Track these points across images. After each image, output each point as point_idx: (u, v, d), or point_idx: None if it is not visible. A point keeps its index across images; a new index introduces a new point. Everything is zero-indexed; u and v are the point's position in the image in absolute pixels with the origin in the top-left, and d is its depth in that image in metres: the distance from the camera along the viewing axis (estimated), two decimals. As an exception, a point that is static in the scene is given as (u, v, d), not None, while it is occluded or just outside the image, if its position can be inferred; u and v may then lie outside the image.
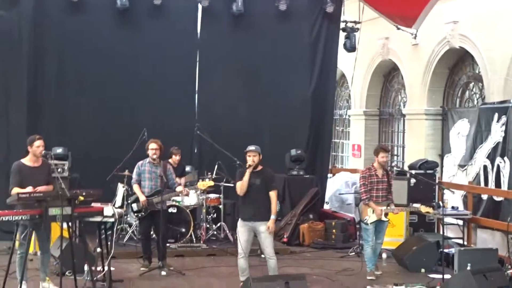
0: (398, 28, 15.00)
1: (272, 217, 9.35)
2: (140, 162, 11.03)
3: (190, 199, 12.55)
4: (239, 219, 9.58)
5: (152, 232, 11.31)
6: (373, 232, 10.50)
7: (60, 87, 13.83)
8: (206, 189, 12.14)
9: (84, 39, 13.85)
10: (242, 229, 9.47)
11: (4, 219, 8.62)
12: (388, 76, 18.51)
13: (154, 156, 10.81)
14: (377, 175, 10.52)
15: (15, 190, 8.86)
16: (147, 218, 10.94)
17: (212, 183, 12.04)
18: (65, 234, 9.27)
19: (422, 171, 12.98)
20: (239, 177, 9.51)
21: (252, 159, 9.43)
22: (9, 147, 13.25)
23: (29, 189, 8.80)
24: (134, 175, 11.03)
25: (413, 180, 12.50)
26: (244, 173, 9.45)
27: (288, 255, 12.53)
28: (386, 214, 10.50)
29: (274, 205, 9.40)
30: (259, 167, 9.52)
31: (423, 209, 10.66)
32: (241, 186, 9.42)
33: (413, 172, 12.65)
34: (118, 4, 13.62)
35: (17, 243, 9.06)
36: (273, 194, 9.41)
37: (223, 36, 14.66)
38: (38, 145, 9.13)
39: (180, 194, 11.40)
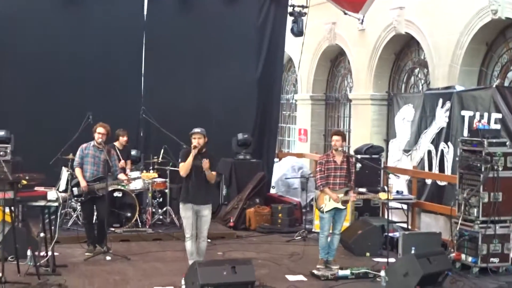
0: (345, 13, 15.05)
1: (209, 172, 9.35)
2: (84, 145, 10.86)
3: (136, 183, 12.44)
4: (181, 202, 9.56)
5: (95, 217, 11.15)
6: (330, 221, 10.16)
7: (1, 68, 13.52)
8: (150, 180, 12.10)
9: (25, 18, 13.54)
10: (188, 212, 9.46)
11: None
12: (334, 61, 18.59)
13: (99, 140, 10.67)
14: (335, 162, 10.12)
15: None
16: (89, 202, 10.81)
17: (156, 175, 11.95)
18: (8, 218, 9.12)
19: (367, 156, 13.08)
20: (183, 158, 9.49)
21: (197, 141, 9.41)
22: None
23: None
24: (76, 158, 10.85)
25: (358, 165, 12.53)
26: (188, 154, 9.42)
27: (234, 239, 12.53)
28: (345, 202, 10.16)
29: (212, 176, 9.44)
30: (203, 150, 9.50)
31: (382, 195, 10.32)
32: (185, 167, 9.40)
33: (359, 156, 12.71)
34: (63, -17, 13.40)
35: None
36: (214, 174, 9.50)
37: (169, 18, 14.50)
38: None
39: (122, 182, 11.34)
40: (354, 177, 10.30)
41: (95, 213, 11.04)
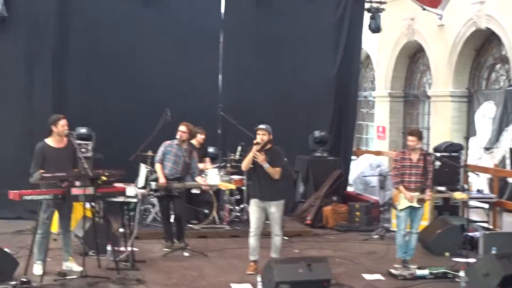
0: (424, 9, 14.82)
1: (266, 166, 9.33)
2: (167, 142, 10.94)
3: (214, 180, 12.48)
4: (251, 198, 9.66)
5: (172, 213, 11.26)
6: (406, 220, 9.99)
7: (84, 67, 13.89)
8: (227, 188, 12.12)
9: (108, 18, 13.86)
10: (254, 207, 9.54)
11: (27, 198, 8.66)
12: (413, 57, 18.32)
13: (178, 137, 10.78)
14: (411, 159, 9.93)
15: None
16: (166, 199, 10.89)
17: (234, 186, 11.82)
18: (88, 214, 9.31)
19: (447, 154, 12.84)
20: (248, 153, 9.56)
21: (261, 137, 9.43)
22: (34, 127, 13.26)
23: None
24: (158, 154, 10.92)
25: (438, 163, 12.35)
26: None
27: (311, 237, 12.50)
28: (420, 201, 9.94)
29: (273, 171, 9.36)
30: (269, 146, 9.49)
31: (458, 195, 10.20)
32: (245, 162, 9.49)
33: (438, 154, 12.52)
34: (143, -17, 13.62)
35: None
36: (277, 169, 9.43)
37: (247, 16, 14.58)
38: (63, 124, 9.12)
39: (200, 186, 11.37)
40: (431, 176, 10.07)
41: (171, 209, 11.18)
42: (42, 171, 8.75)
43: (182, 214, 10.82)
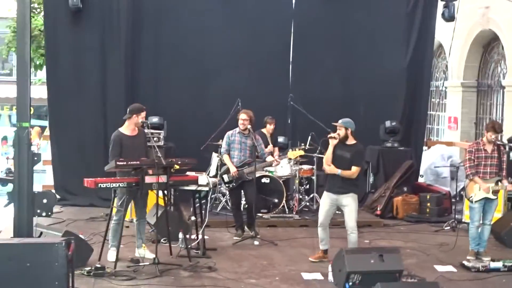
0: (500, -3, 14.50)
1: (339, 172, 9.27)
2: (229, 132, 11.07)
3: (283, 170, 12.55)
4: (325, 191, 9.57)
5: (243, 202, 11.33)
6: (480, 212, 9.81)
7: (157, 58, 14.06)
8: (297, 158, 12.19)
9: (179, 11, 14.02)
10: (326, 200, 9.50)
11: (102, 186, 8.85)
12: (487, 47, 17.95)
13: (242, 127, 10.85)
14: (486, 150, 9.76)
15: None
16: (238, 188, 11.02)
17: (302, 152, 12.01)
18: (161, 202, 9.44)
19: (521, 145, 12.59)
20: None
21: (337, 132, 9.37)
22: (106, 116, 13.54)
23: None
24: (223, 145, 11.09)
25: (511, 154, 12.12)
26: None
27: (381, 227, 12.41)
28: (495, 192, 9.77)
29: (348, 174, 9.27)
30: (353, 142, 9.41)
31: None
32: (325, 159, 9.45)
33: (512, 145, 12.28)
34: (214, -25, 13.71)
35: (114, 210, 9.28)
36: (354, 169, 9.29)
37: (318, 6, 14.52)
38: (143, 116, 9.30)
39: (271, 164, 11.46)
40: (505, 166, 9.88)
41: (243, 199, 11.26)
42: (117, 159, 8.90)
43: (254, 202, 10.88)
